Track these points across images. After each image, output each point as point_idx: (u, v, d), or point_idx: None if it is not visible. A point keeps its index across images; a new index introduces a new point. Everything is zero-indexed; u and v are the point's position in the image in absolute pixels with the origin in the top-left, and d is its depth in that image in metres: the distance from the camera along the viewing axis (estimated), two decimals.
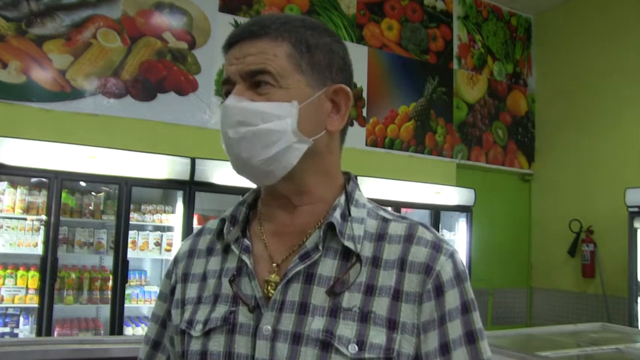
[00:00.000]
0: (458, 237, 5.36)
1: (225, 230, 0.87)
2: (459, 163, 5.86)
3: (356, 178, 0.92)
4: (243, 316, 0.80)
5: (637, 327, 4.43)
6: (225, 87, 0.83)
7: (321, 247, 0.80)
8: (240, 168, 0.82)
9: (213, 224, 0.92)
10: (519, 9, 6.50)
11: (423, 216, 5.17)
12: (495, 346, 2.33)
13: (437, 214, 5.18)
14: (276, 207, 0.87)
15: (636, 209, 4.63)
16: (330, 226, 0.80)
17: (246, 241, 0.85)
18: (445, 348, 0.77)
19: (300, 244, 0.82)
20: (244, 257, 0.83)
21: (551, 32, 6.37)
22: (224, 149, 0.82)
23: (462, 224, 5.38)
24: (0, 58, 3.91)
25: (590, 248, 5.49)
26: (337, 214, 0.81)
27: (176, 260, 0.94)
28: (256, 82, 0.79)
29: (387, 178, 4.87)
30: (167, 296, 0.94)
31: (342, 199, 0.84)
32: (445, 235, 5.29)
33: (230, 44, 0.83)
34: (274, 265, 0.82)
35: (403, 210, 4.99)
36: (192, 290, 0.88)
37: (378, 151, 5.37)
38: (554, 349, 2.51)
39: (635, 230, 4.66)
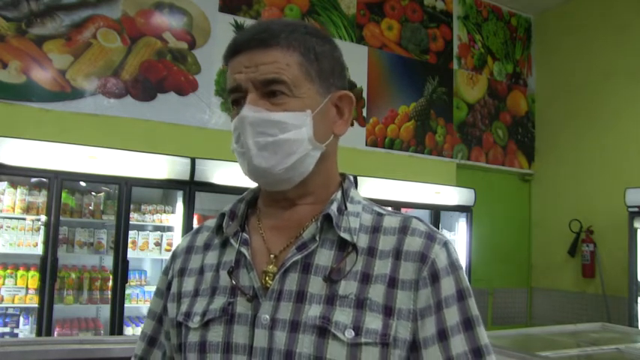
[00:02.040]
0: (458, 237, 5.36)
1: (224, 224, 0.89)
2: (459, 163, 5.86)
3: (351, 178, 0.94)
4: (242, 306, 0.81)
5: (637, 327, 4.43)
6: (233, 95, 0.84)
7: (317, 238, 0.82)
8: (258, 176, 0.84)
9: (211, 222, 0.94)
10: (519, 9, 6.50)
11: (423, 216, 5.14)
12: (495, 346, 2.33)
13: (437, 214, 5.18)
14: (277, 207, 0.89)
15: (636, 209, 4.63)
16: (327, 218, 0.82)
17: (245, 235, 0.87)
18: (443, 334, 0.78)
19: (297, 236, 0.84)
20: (243, 249, 0.85)
21: (551, 32, 6.37)
22: (238, 158, 0.84)
23: (462, 224, 5.38)
24: (0, 58, 3.91)
25: (590, 248, 5.49)
26: (334, 207, 0.84)
27: (174, 256, 0.96)
28: (270, 92, 0.81)
29: (387, 178, 4.87)
30: (163, 292, 0.95)
31: (339, 194, 0.87)
32: (445, 234, 5.29)
33: (236, 51, 0.83)
34: (272, 256, 0.84)
35: (403, 210, 4.99)
36: (188, 284, 0.89)
37: (378, 151, 5.37)
38: (554, 349, 2.51)
39: (635, 230, 4.66)
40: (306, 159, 0.82)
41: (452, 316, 0.79)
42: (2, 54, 3.92)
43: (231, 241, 0.87)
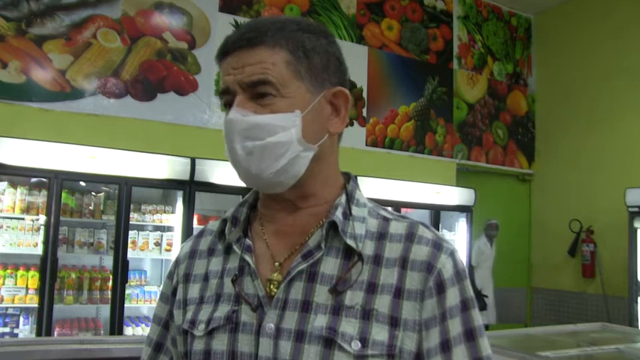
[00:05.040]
0: (458, 237, 5.36)
1: (226, 230, 0.87)
2: (459, 163, 5.86)
3: (356, 178, 0.92)
4: (246, 314, 0.80)
5: (637, 327, 4.43)
6: (224, 97, 0.82)
7: (323, 246, 0.80)
8: (250, 182, 0.82)
9: (214, 225, 0.92)
10: (519, 9, 6.50)
11: (423, 216, 5.17)
12: (495, 346, 2.33)
13: (437, 214, 5.18)
14: (278, 210, 0.87)
15: (636, 209, 4.63)
16: (333, 225, 0.81)
17: (248, 241, 0.85)
18: (446, 345, 0.78)
19: (302, 243, 0.83)
20: (246, 257, 0.83)
21: (551, 32, 6.37)
22: (230, 162, 0.82)
23: (462, 224, 5.38)
24: (0, 58, 3.91)
25: (590, 248, 5.49)
26: (339, 212, 0.82)
27: (177, 261, 0.95)
28: (257, 93, 0.79)
29: (387, 178, 4.87)
30: (168, 297, 0.94)
31: (343, 198, 0.85)
32: (445, 235, 5.29)
33: (225, 53, 0.81)
34: (276, 264, 0.83)
35: (403, 210, 4.99)
36: (194, 290, 0.88)
37: (378, 151, 5.37)
38: (554, 349, 2.51)
39: (635, 230, 4.67)
40: (296, 161, 0.79)
41: (455, 326, 0.79)
42: (2, 54, 3.92)
43: (235, 247, 0.85)
